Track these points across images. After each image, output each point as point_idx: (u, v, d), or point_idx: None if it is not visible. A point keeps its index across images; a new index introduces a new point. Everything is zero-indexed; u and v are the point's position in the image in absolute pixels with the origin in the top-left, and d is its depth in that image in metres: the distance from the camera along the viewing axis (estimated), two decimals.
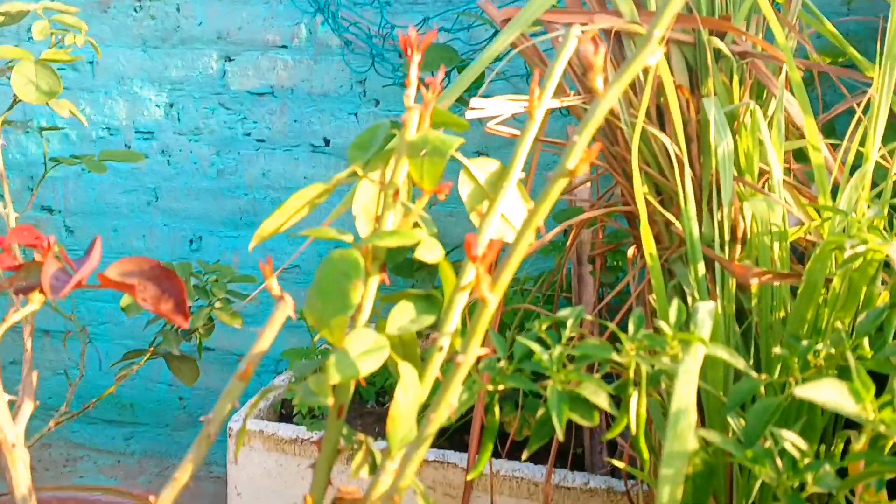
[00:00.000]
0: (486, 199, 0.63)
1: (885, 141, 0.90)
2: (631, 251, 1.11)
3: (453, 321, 0.58)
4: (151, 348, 1.46)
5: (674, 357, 0.64)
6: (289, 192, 0.68)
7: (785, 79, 0.94)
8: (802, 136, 0.98)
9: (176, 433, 2.08)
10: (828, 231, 0.87)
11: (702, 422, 0.85)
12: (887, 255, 0.76)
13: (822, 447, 0.69)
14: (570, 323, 0.68)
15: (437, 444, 1.45)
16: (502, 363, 0.67)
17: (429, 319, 0.61)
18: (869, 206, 0.83)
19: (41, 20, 1.35)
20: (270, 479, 1.47)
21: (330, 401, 0.60)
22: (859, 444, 0.60)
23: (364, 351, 0.58)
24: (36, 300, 0.66)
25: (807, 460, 0.58)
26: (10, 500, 0.71)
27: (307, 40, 1.86)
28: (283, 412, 1.62)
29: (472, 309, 0.57)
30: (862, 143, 0.89)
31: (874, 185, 0.89)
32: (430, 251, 0.61)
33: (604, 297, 1.36)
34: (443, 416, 0.57)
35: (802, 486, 0.59)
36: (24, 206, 1.58)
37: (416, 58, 0.64)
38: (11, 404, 0.72)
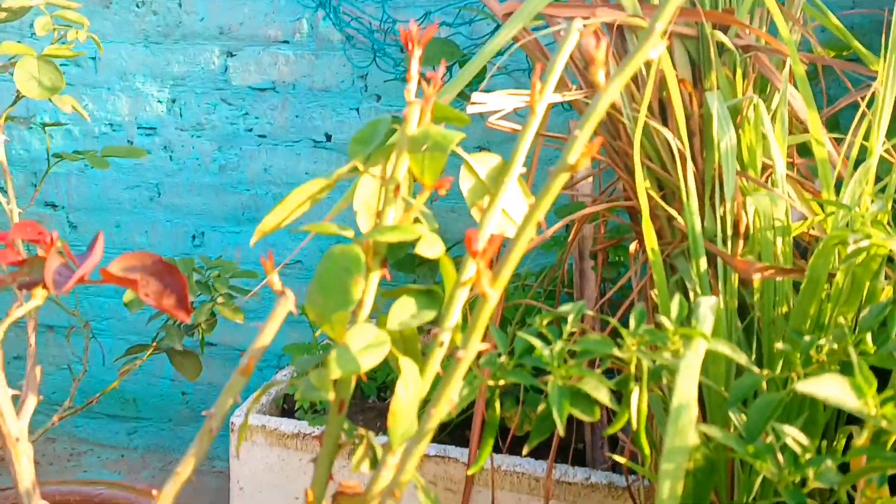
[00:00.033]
0: (487, 195, 0.63)
1: (889, 135, 0.89)
2: (633, 246, 1.11)
3: (454, 316, 0.58)
4: (154, 343, 1.46)
5: (675, 352, 0.64)
6: (290, 188, 0.68)
7: (788, 72, 0.94)
8: (806, 131, 0.97)
9: (179, 428, 2.09)
10: (831, 226, 0.87)
11: (703, 417, 0.85)
12: (891, 250, 0.76)
13: (824, 443, 0.69)
14: (571, 318, 0.68)
15: (438, 439, 1.45)
16: (503, 358, 0.67)
17: (430, 315, 0.61)
18: (873, 201, 0.83)
19: (43, 16, 1.35)
20: (272, 473, 1.47)
21: (331, 396, 0.60)
22: (861, 439, 0.60)
23: (365, 346, 0.58)
24: (39, 295, 0.67)
25: (808, 456, 0.58)
26: (15, 494, 0.71)
27: (308, 35, 1.86)
28: (285, 407, 1.63)
29: (472, 304, 0.57)
30: (866, 138, 0.88)
31: (878, 179, 0.88)
32: (431, 246, 0.61)
33: (605, 292, 1.36)
34: (443, 410, 0.57)
35: (804, 482, 0.58)
36: (28, 201, 1.58)
37: (418, 52, 0.64)
38: (15, 399, 0.73)
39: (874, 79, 0.93)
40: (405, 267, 1.63)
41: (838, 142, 1.01)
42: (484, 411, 1.11)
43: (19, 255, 0.67)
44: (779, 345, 0.71)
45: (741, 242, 0.93)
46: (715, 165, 0.94)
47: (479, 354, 0.60)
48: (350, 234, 0.63)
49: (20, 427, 0.69)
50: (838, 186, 0.89)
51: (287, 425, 1.46)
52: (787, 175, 0.92)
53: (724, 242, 0.91)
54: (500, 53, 1.06)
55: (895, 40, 0.87)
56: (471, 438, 1.12)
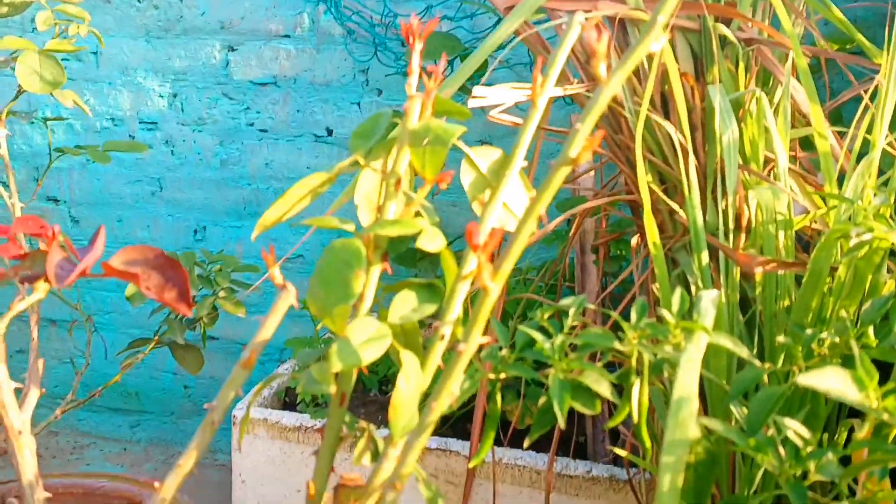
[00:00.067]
0: (488, 188, 0.63)
1: (892, 128, 0.89)
2: (634, 240, 1.11)
3: (455, 310, 0.58)
4: (156, 337, 1.47)
5: (676, 346, 0.64)
6: (291, 182, 0.68)
7: (791, 66, 0.93)
8: (809, 124, 0.97)
9: (181, 421, 2.09)
10: (833, 219, 0.87)
11: (704, 410, 0.85)
12: (893, 244, 0.76)
13: (826, 436, 0.69)
14: (572, 312, 0.68)
15: (439, 432, 1.45)
16: (504, 352, 0.67)
17: (430, 308, 0.61)
18: (875, 194, 0.82)
19: (45, 11, 1.35)
20: (274, 466, 1.47)
21: (332, 389, 0.60)
22: (862, 432, 0.60)
23: (366, 339, 0.58)
24: (41, 289, 0.67)
25: (809, 449, 0.58)
26: (18, 487, 0.72)
27: (310, 29, 1.85)
28: (287, 400, 1.63)
29: (474, 298, 0.57)
30: (869, 131, 0.88)
31: (881, 172, 0.88)
32: (432, 240, 0.61)
33: (607, 286, 1.36)
34: (444, 404, 0.57)
35: (805, 475, 0.58)
36: (30, 196, 1.58)
37: (419, 46, 0.64)
38: (18, 392, 0.73)
39: (877, 72, 0.93)
40: (406, 261, 1.63)
41: (841, 135, 1.00)
42: (485, 404, 1.11)
43: (21, 249, 0.67)
44: (780, 338, 0.71)
45: (743, 236, 0.93)
46: (717, 159, 0.94)
47: (481, 348, 0.61)
48: (351, 227, 0.63)
49: (23, 420, 0.70)
50: (841, 180, 0.89)
51: (289, 418, 1.46)
52: (790, 168, 0.92)
53: (726, 236, 0.91)
54: (501, 47, 1.05)
55: None
56: (472, 431, 1.12)
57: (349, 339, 0.57)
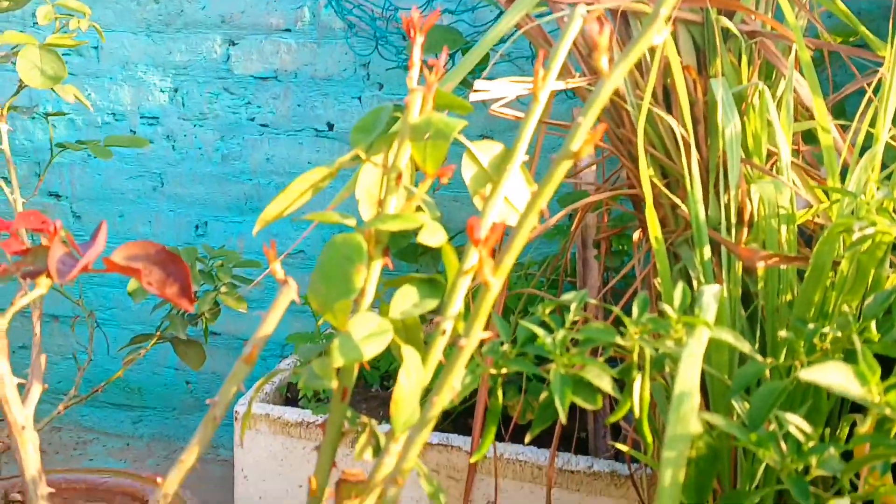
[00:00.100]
0: (489, 183, 0.63)
1: (895, 122, 0.88)
2: (636, 235, 1.11)
3: (456, 305, 0.58)
4: (158, 333, 1.47)
5: (678, 341, 0.64)
6: (293, 177, 0.68)
7: (794, 59, 0.93)
8: (812, 118, 0.96)
9: (183, 417, 2.10)
10: (836, 213, 0.86)
11: (706, 405, 0.85)
12: None
13: (828, 431, 0.68)
14: (573, 307, 0.68)
15: (441, 427, 1.45)
16: (506, 347, 0.67)
17: (432, 303, 0.61)
18: (878, 188, 0.82)
19: (45, 5, 1.35)
20: (276, 461, 1.47)
21: (334, 384, 0.60)
22: (864, 427, 0.60)
23: (367, 334, 0.58)
24: (43, 284, 0.67)
25: (811, 444, 0.58)
26: (21, 482, 0.72)
27: (310, 23, 1.85)
28: (289, 396, 1.63)
29: (475, 293, 0.57)
30: (872, 124, 0.88)
31: (884, 166, 0.88)
32: (433, 235, 0.61)
33: (608, 281, 1.36)
34: (445, 399, 0.57)
35: (807, 470, 0.58)
36: (31, 191, 1.58)
37: (420, 39, 0.63)
38: (21, 388, 0.73)
39: (881, 65, 0.93)
40: (408, 256, 1.62)
41: (844, 129, 1.00)
42: (486, 400, 1.11)
43: (23, 245, 0.67)
44: (782, 333, 0.70)
45: (745, 230, 0.92)
46: (719, 153, 0.94)
47: (482, 343, 0.60)
48: (352, 222, 0.63)
49: (26, 415, 0.70)
50: (844, 174, 0.88)
51: (290, 414, 1.46)
52: (792, 162, 0.92)
53: (728, 230, 0.91)
54: (502, 40, 1.05)
55: None
56: (473, 427, 1.12)
57: (350, 335, 0.57)
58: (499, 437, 1.35)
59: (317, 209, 0.67)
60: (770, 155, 0.97)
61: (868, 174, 0.84)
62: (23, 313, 2.04)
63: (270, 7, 1.86)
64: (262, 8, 1.87)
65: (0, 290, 2.06)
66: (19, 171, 2.00)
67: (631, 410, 0.65)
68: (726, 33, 0.99)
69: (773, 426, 0.61)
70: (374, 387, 1.65)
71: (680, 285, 0.67)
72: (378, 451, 0.63)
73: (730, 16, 1.00)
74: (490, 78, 0.98)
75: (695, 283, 0.88)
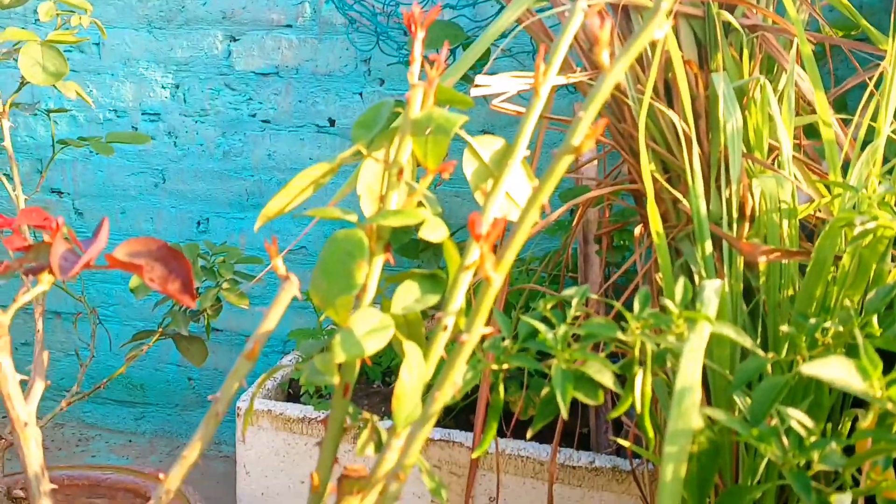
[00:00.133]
0: (490, 178, 0.63)
1: None
2: (638, 230, 1.11)
3: (458, 300, 0.58)
4: (160, 329, 1.47)
5: (679, 335, 0.64)
6: (294, 174, 0.68)
7: (796, 53, 0.93)
8: (813, 112, 0.96)
9: (185, 413, 2.10)
10: (838, 208, 0.86)
11: (707, 400, 0.85)
12: None
13: (829, 426, 0.68)
14: (575, 302, 0.68)
15: (442, 423, 1.46)
16: (507, 342, 0.67)
17: (433, 299, 0.61)
18: (880, 182, 0.82)
19: (47, 1, 1.35)
20: (278, 457, 1.48)
21: (336, 379, 0.60)
22: (866, 422, 0.60)
23: (369, 330, 0.58)
24: (45, 281, 0.67)
25: (813, 438, 0.58)
26: (24, 478, 0.72)
27: (311, 19, 1.85)
28: (291, 392, 1.63)
29: (476, 289, 0.57)
30: (874, 118, 0.87)
31: (886, 160, 0.88)
32: (434, 230, 0.61)
33: (610, 276, 1.36)
34: (447, 394, 0.57)
35: (808, 465, 0.58)
36: (34, 188, 1.58)
37: (420, 35, 0.63)
38: (23, 384, 0.73)
39: (882, 58, 0.92)
40: (409, 252, 1.62)
41: (846, 123, 1.00)
42: (488, 395, 1.11)
43: (26, 241, 0.67)
44: (784, 328, 0.70)
45: (747, 225, 0.92)
46: (721, 147, 0.94)
47: (483, 338, 0.60)
48: (353, 218, 0.63)
49: (28, 411, 0.70)
50: (845, 168, 0.88)
51: (293, 410, 1.47)
52: (794, 157, 0.92)
53: (730, 225, 0.91)
54: (503, 36, 1.05)
55: None
56: (475, 422, 1.13)
57: (352, 330, 0.57)
58: (500, 433, 1.36)
59: (318, 205, 0.67)
60: (771, 149, 0.97)
61: (870, 168, 0.83)
62: (25, 310, 2.05)
63: (271, 3, 1.86)
64: (263, 4, 1.86)
65: (2, 287, 2.07)
66: (21, 168, 2.00)
67: (632, 406, 0.65)
68: (727, 27, 0.99)
69: (774, 421, 0.61)
70: (375, 382, 1.65)
71: (681, 280, 0.67)
72: (380, 447, 0.63)
73: (731, 10, 1.00)
74: (491, 73, 0.98)
75: (696, 278, 0.88)
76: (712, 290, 0.65)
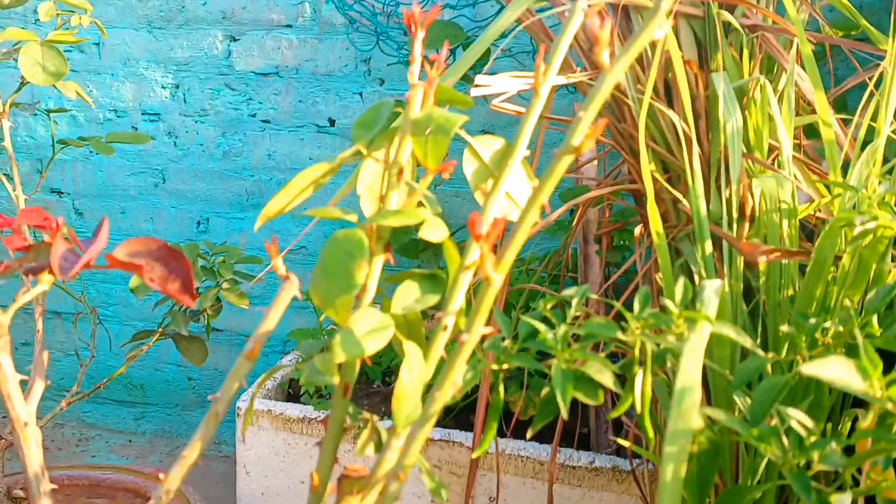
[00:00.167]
0: (490, 178, 0.63)
1: None
2: (638, 230, 1.11)
3: (458, 300, 0.58)
4: (160, 329, 1.47)
5: (679, 335, 0.63)
6: (294, 174, 0.68)
7: (796, 53, 0.93)
8: (813, 112, 0.96)
9: (185, 413, 2.10)
10: (838, 208, 0.86)
11: (707, 400, 0.85)
12: None
13: (829, 426, 0.68)
14: (575, 302, 0.68)
15: (442, 423, 1.45)
16: (507, 342, 0.67)
17: (433, 299, 0.61)
18: (880, 182, 0.82)
19: (47, 1, 1.35)
20: (278, 457, 1.48)
21: (336, 379, 0.60)
22: (866, 421, 0.60)
23: (369, 330, 0.58)
24: (45, 280, 0.67)
25: (813, 438, 0.58)
26: (24, 478, 0.72)
27: (311, 19, 1.85)
28: (291, 392, 1.63)
29: (476, 289, 0.57)
30: (874, 118, 0.87)
31: (886, 160, 0.88)
32: (434, 230, 0.61)
33: (610, 276, 1.36)
34: (447, 394, 0.57)
35: (809, 465, 0.58)
36: (34, 188, 1.58)
37: (420, 35, 0.63)
38: (23, 384, 0.73)
39: (882, 58, 0.92)
40: (409, 252, 1.62)
41: (846, 123, 1.00)
42: (488, 395, 1.11)
43: (26, 241, 0.67)
44: (784, 328, 0.70)
45: (747, 225, 0.92)
46: (721, 147, 0.94)
47: (483, 338, 0.60)
48: (353, 218, 0.63)
49: (28, 411, 0.70)
50: (845, 168, 0.88)
51: (293, 410, 1.47)
52: (794, 157, 0.92)
53: (730, 225, 0.91)
54: (503, 36, 1.05)
55: None
56: (475, 422, 1.13)
57: (352, 330, 0.57)
58: (500, 433, 1.36)
59: (318, 206, 0.67)
60: (771, 149, 0.97)
61: (870, 168, 0.83)
62: (25, 310, 2.05)
63: (271, 3, 1.86)
64: (263, 4, 1.86)
65: (3, 288, 2.07)
66: (21, 168, 2.00)
67: (632, 406, 0.65)
68: (727, 27, 0.99)
69: (774, 421, 0.61)
70: (375, 383, 1.65)
71: (681, 280, 0.67)
72: (380, 447, 0.63)
73: (731, 10, 1.00)
74: (491, 73, 0.98)
75: (696, 278, 0.88)
76: (712, 290, 0.65)
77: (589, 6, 0.56)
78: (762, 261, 0.83)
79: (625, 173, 1.21)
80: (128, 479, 1.51)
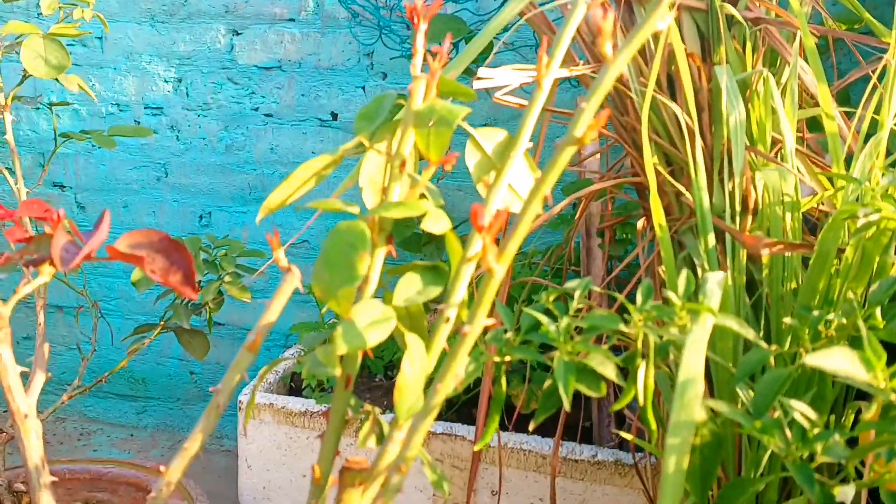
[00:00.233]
0: (493, 170, 0.63)
1: None
2: (640, 223, 1.10)
3: (460, 292, 0.58)
4: (162, 322, 1.47)
5: (682, 328, 0.63)
6: (296, 167, 0.68)
7: (799, 46, 0.92)
8: (816, 105, 0.96)
9: (187, 407, 2.10)
10: (841, 200, 0.86)
11: (710, 393, 0.85)
12: None
13: (832, 418, 0.68)
14: (577, 294, 0.68)
15: (444, 417, 1.46)
16: (509, 335, 0.67)
17: (435, 291, 0.61)
18: (883, 175, 0.82)
19: None
20: (280, 451, 1.48)
21: (337, 371, 0.60)
22: (870, 413, 0.60)
23: (371, 322, 0.57)
24: (46, 272, 0.67)
25: (816, 430, 0.58)
26: (25, 472, 0.72)
27: (314, 13, 1.84)
28: (293, 385, 1.63)
29: (479, 282, 0.57)
30: (877, 111, 0.87)
31: (889, 153, 0.87)
32: (437, 222, 0.61)
33: (612, 270, 1.36)
34: (449, 386, 0.57)
35: (812, 457, 0.58)
36: (36, 182, 1.58)
37: (423, 27, 0.63)
38: (25, 377, 0.73)
39: (885, 51, 0.92)
40: (411, 246, 1.62)
41: (849, 116, 0.99)
42: (490, 388, 1.11)
43: (27, 233, 0.67)
44: (787, 320, 0.70)
45: (750, 218, 0.92)
46: (724, 140, 0.93)
47: (486, 331, 0.60)
48: (355, 209, 0.62)
49: (28, 403, 0.70)
50: (848, 161, 0.88)
51: (294, 403, 1.47)
52: (797, 150, 0.91)
53: (733, 218, 0.90)
54: (505, 29, 1.04)
55: None
56: (477, 415, 1.13)
57: (354, 322, 0.57)
58: (503, 427, 1.36)
59: (320, 199, 0.67)
60: (774, 142, 0.97)
61: (873, 161, 0.83)
62: (27, 304, 2.05)
63: None
64: None
65: (5, 283, 2.07)
66: (23, 162, 2.00)
67: (635, 399, 0.65)
68: (730, 20, 0.99)
69: (777, 413, 0.60)
70: (378, 376, 1.65)
71: (684, 272, 0.66)
72: (382, 439, 0.63)
73: (734, 2, 1.00)
74: (493, 66, 0.97)
75: (699, 270, 0.88)
76: (715, 282, 0.65)
77: None
78: (765, 253, 0.82)
79: (627, 167, 1.21)
80: (129, 473, 1.51)
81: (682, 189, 0.96)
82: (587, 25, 1.03)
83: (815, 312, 0.68)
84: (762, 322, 0.87)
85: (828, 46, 1.27)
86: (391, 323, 0.58)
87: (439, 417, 1.39)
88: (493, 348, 0.67)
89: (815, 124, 1.05)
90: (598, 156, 1.39)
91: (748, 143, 0.93)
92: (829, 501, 0.56)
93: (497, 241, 0.55)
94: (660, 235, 0.85)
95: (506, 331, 0.68)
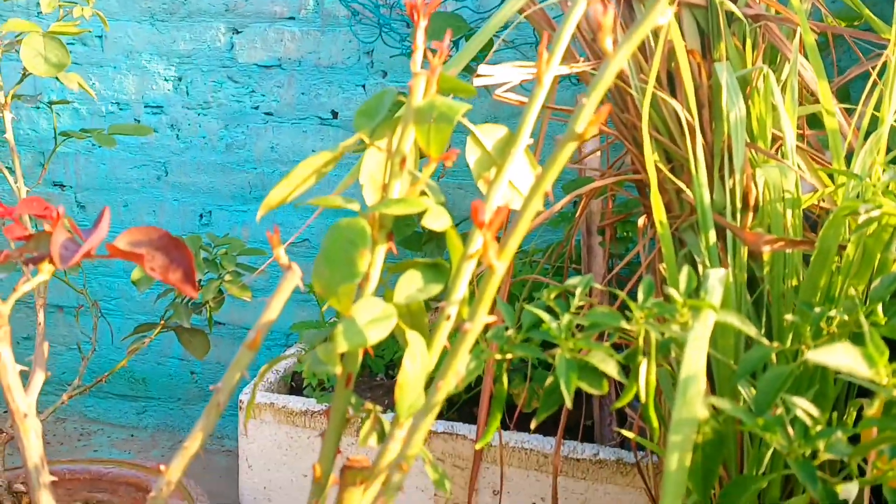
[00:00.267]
0: (493, 166, 0.62)
1: None
2: (641, 221, 1.10)
3: (461, 289, 0.57)
4: (162, 322, 1.47)
5: (684, 325, 0.63)
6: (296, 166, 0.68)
7: (799, 42, 0.92)
8: (816, 101, 0.96)
9: (188, 407, 2.10)
10: (842, 197, 0.86)
11: (712, 390, 0.85)
12: None
13: (835, 415, 0.68)
14: (578, 291, 0.68)
15: (446, 416, 1.45)
16: (511, 332, 0.67)
17: (436, 288, 0.60)
18: (884, 171, 0.81)
19: None
20: (281, 451, 1.48)
21: (338, 369, 0.60)
22: (872, 410, 0.60)
23: (371, 319, 0.57)
24: (46, 270, 0.66)
25: (819, 428, 0.58)
26: (24, 472, 0.72)
27: (314, 11, 1.84)
28: (293, 385, 1.63)
29: (479, 280, 0.56)
30: (877, 108, 0.87)
31: (889, 149, 0.87)
32: (437, 219, 0.60)
33: (613, 267, 1.35)
34: (450, 383, 0.56)
35: (814, 454, 0.58)
36: (36, 181, 1.58)
37: (423, 23, 0.63)
38: (24, 376, 0.73)
39: (885, 48, 0.92)
40: (412, 244, 1.62)
41: (849, 112, 0.99)
42: (492, 387, 1.11)
43: (26, 231, 0.67)
44: (789, 317, 0.70)
45: (751, 215, 0.92)
46: (724, 137, 0.93)
47: (487, 329, 0.60)
48: (356, 206, 0.62)
49: (28, 402, 0.69)
50: (849, 157, 0.88)
51: (295, 403, 1.46)
52: (798, 146, 0.91)
53: (734, 215, 0.90)
54: (505, 26, 1.04)
55: None
56: (479, 413, 1.12)
57: (354, 319, 0.57)
58: (504, 426, 1.35)
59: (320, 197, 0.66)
60: (775, 139, 0.96)
61: (873, 157, 0.83)
62: (27, 304, 2.05)
63: None
64: None
65: (5, 283, 2.07)
66: (23, 161, 2.00)
67: (636, 397, 0.65)
68: (730, 17, 0.98)
69: (779, 410, 0.60)
70: (379, 375, 1.65)
71: (685, 269, 0.66)
72: (382, 438, 0.63)
73: None
74: (493, 64, 0.97)
75: (700, 268, 0.88)
76: (717, 279, 0.65)
77: None
78: (766, 250, 0.82)
79: (628, 164, 1.21)
80: (129, 474, 1.51)
81: (683, 186, 0.96)
82: (587, 22, 1.03)
83: (817, 309, 0.68)
84: (763, 319, 0.87)
85: (828, 43, 1.26)
86: (392, 320, 0.58)
87: (440, 416, 1.39)
88: (494, 346, 0.67)
89: (815, 121, 1.05)
90: (598, 153, 1.38)
91: (748, 140, 0.93)
92: (831, 499, 0.56)
93: (498, 239, 0.55)
94: (661, 232, 0.85)
95: (507, 328, 0.68)
